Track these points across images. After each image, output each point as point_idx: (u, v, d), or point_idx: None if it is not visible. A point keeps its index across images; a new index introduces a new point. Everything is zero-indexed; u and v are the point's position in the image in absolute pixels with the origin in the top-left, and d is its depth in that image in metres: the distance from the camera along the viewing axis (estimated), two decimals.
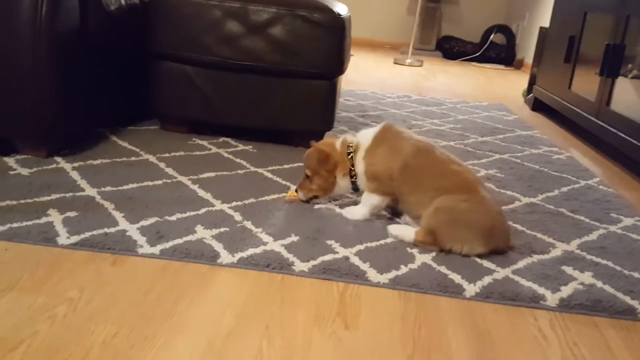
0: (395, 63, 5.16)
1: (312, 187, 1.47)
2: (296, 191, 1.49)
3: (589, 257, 1.33)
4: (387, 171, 1.38)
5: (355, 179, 1.44)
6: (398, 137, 1.42)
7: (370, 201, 1.41)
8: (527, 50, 5.46)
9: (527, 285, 1.17)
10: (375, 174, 1.40)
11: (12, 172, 1.51)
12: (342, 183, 1.46)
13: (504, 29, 6.04)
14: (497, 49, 5.96)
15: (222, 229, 1.29)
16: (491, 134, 2.56)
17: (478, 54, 5.95)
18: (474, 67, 5.56)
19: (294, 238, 1.28)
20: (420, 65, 5.17)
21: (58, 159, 1.64)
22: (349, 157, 1.44)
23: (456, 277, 1.18)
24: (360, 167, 1.42)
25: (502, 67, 5.75)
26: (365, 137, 1.44)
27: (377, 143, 1.41)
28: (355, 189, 1.47)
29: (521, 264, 1.26)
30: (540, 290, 1.15)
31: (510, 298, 1.13)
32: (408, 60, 5.14)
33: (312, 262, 1.18)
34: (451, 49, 6.10)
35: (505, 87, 4.33)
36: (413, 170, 1.36)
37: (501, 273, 1.21)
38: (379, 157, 1.40)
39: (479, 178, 1.38)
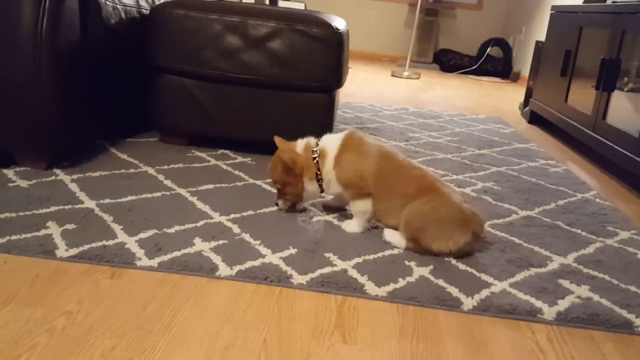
0: (392, 76, 5.19)
1: (285, 197, 1.50)
2: (276, 204, 1.51)
3: (585, 270, 1.33)
4: (358, 173, 1.40)
5: (321, 182, 1.45)
6: (363, 142, 1.45)
7: (356, 208, 1.43)
8: (524, 63, 5.50)
9: (525, 299, 1.17)
10: (347, 179, 1.41)
11: (11, 184, 1.51)
12: (311, 188, 1.47)
13: (500, 42, 6.09)
14: (494, 62, 6.00)
15: (221, 242, 1.29)
16: (488, 146, 2.58)
17: (475, 67, 5.99)
18: (471, 80, 5.59)
19: (292, 251, 1.28)
20: (418, 78, 5.20)
21: (57, 171, 1.65)
22: (315, 161, 1.45)
23: (454, 291, 1.18)
24: (331, 175, 1.43)
25: (499, 80, 5.79)
26: (330, 143, 1.46)
27: (344, 149, 1.43)
28: (322, 191, 1.48)
29: (518, 277, 1.27)
30: (538, 303, 1.16)
31: (507, 311, 1.13)
32: (405, 73, 5.17)
33: (310, 275, 1.18)
34: (448, 62, 6.15)
35: (502, 100, 4.36)
36: (382, 174, 1.39)
37: (498, 286, 1.21)
38: (348, 162, 1.42)
39: (438, 178, 1.41)
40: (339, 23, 1.99)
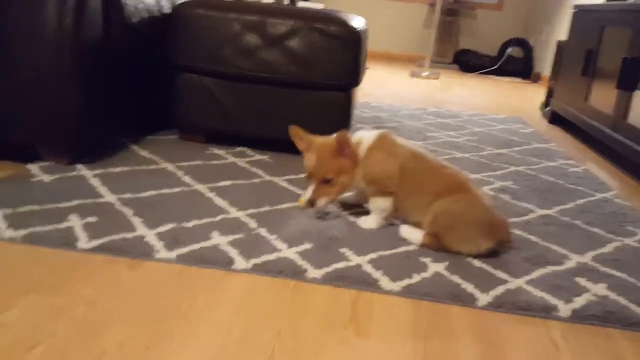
0: (412, 76, 5.18)
1: (331, 189, 1.41)
2: (312, 204, 1.41)
3: (602, 269, 1.32)
4: (385, 171, 1.40)
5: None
6: (394, 143, 1.45)
7: (376, 205, 1.43)
8: (545, 63, 5.44)
9: (540, 296, 1.17)
10: (374, 176, 1.41)
11: (34, 179, 1.55)
12: (347, 181, 1.43)
13: (521, 43, 6.04)
14: (515, 63, 5.95)
15: (237, 236, 1.31)
16: (507, 146, 2.56)
17: (495, 67, 5.95)
18: (491, 80, 5.56)
19: (307, 246, 1.29)
20: (437, 78, 5.18)
21: (79, 166, 1.68)
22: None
23: (468, 287, 1.18)
24: (359, 169, 1.42)
25: (519, 80, 5.74)
26: (364, 139, 1.44)
27: (375, 147, 1.43)
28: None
29: (534, 274, 1.26)
30: (553, 300, 1.15)
31: (522, 308, 1.13)
32: (425, 73, 5.16)
33: (325, 270, 1.19)
34: (468, 62, 6.11)
35: (523, 100, 4.32)
36: (409, 174, 1.39)
37: (514, 283, 1.21)
38: (376, 159, 1.41)
39: (469, 178, 1.41)
40: (357, 22, 2.00)
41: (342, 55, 1.92)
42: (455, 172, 1.41)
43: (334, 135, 1.41)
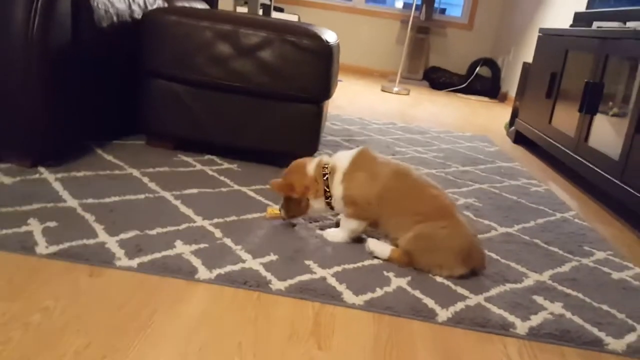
0: (382, 91, 5.24)
1: (289, 212, 1.48)
2: (280, 210, 1.50)
3: (560, 288, 1.36)
4: (365, 196, 1.39)
5: (331, 199, 1.44)
6: (375, 161, 1.43)
7: (348, 226, 1.43)
8: (512, 84, 5.58)
9: (498, 313, 1.19)
10: (353, 198, 1.40)
11: None
12: (316, 205, 1.46)
13: (489, 63, 6.18)
14: (483, 82, 6.09)
15: (202, 245, 1.30)
16: (472, 164, 2.61)
17: (464, 85, 6.07)
18: (460, 98, 5.66)
19: (272, 257, 1.29)
20: (407, 94, 5.26)
21: (42, 169, 1.65)
22: (325, 178, 1.44)
23: (430, 302, 1.20)
24: (337, 190, 1.42)
25: (487, 99, 5.87)
26: (342, 160, 1.44)
27: (354, 167, 1.42)
28: (332, 208, 1.48)
29: (494, 291, 1.29)
30: (511, 318, 1.18)
31: (481, 324, 1.15)
32: (395, 89, 5.23)
33: (289, 281, 1.19)
34: (438, 80, 6.22)
35: (489, 119, 4.41)
36: (392, 193, 1.38)
37: (474, 300, 1.23)
38: (356, 182, 1.40)
39: (453, 202, 1.42)
40: (329, 36, 2.02)
41: (313, 68, 1.94)
42: (441, 193, 1.39)
43: (314, 161, 1.47)
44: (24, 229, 1.26)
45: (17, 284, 1.06)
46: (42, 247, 1.18)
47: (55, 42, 1.60)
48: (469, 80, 6.07)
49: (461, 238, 1.32)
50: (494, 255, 1.50)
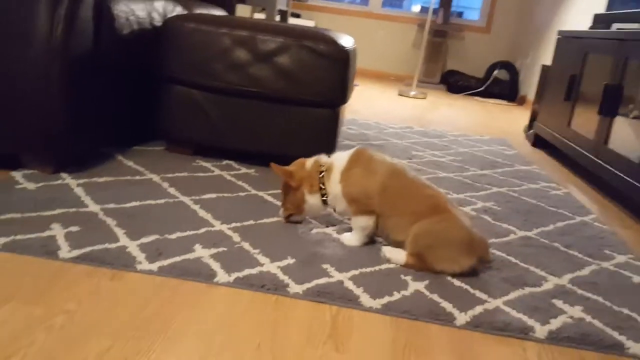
0: (399, 95, 5.23)
1: (286, 205, 1.52)
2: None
3: (580, 291, 1.35)
4: (364, 190, 1.42)
5: (326, 197, 1.47)
6: (372, 159, 1.46)
7: (357, 224, 1.44)
8: (530, 87, 5.54)
9: (517, 317, 1.18)
10: (353, 195, 1.43)
11: (18, 187, 1.55)
12: (311, 200, 1.49)
13: (507, 66, 6.14)
14: (501, 85, 6.05)
15: (220, 249, 1.32)
16: (491, 167, 2.60)
17: (481, 89, 6.04)
18: (477, 102, 5.63)
19: (290, 261, 1.30)
20: (424, 98, 5.25)
21: (64, 175, 1.68)
22: (320, 175, 1.47)
23: (447, 306, 1.19)
24: (337, 189, 1.45)
25: (504, 102, 5.83)
26: (339, 159, 1.48)
27: (351, 165, 1.45)
28: (333, 209, 1.50)
29: (512, 295, 1.28)
30: (530, 321, 1.17)
31: (500, 328, 1.14)
32: (412, 93, 5.22)
33: (307, 285, 1.20)
34: (455, 83, 6.20)
35: (507, 122, 4.38)
36: (389, 192, 1.40)
37: (492, 303, 1.23)
38: (354, 178, 1.43)
39: (448, 199, 1.42)
40: (345, 41, 2.03)
41: (330, 73, 1.95)
42: (435, 192, 1.42)
43: (312, 159, 1.51)
44: (46, 233, 1.28)
45: (40, 288, 1.08)
46: (64, 252, 1.21)
47: (77, 49, 1.63)
48: (487, 84, 6.04)
49: (458, 229, 1.33)
50: (512, 259, 1.49)
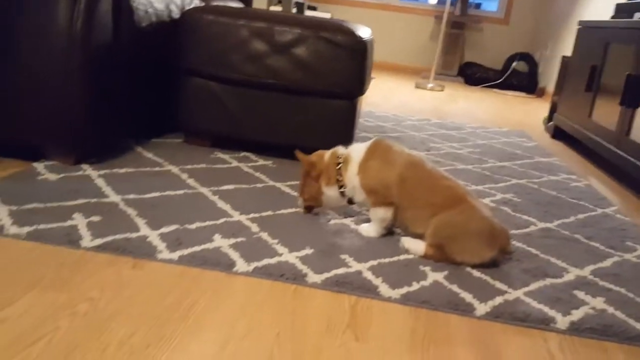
0: (416, 87, 5.20)
1: (304, 196, 1.53)
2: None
3: (601, 283, 1.33)
4: (382, 182, 1.41)
5: (344, 189, 1.47)
6: (390, 150, 1.45)
7: (376, 215, 1.44)
8: (549, 78, 5.46)
9: (538, 308, 1.17)
10: (371, 186, 1.42)
11: (40, 177, 1.57)
12: (329, 192, 1.49)
13: (526, 57, 6.06)
14: (519, 77, 5.98)
15: (239, 239, 1.32)
16: (510, 159, 2.57)
17: (500, 80, 5.97)
18: (496, 94, 5.58)
19: (308, 251, 1.31)
20: (442, 90, 5.21)
21: (85, 166, 1.70)
22: (337, 167, 1.47)
23: (467, 296, 1.19)
24: (354, 181, 1.45)
25: (523, 94, 5.76)
26: (356, 150, 1.48)
27: (369, 156, 1.44)
28: (350, 202, 1.50)
29: (533, 286, 1.27)
30: (551, 312, 1.16)
31: (520, 319, 1.13)
32: (430, 85, 5.18)
33: (326, 275, 1.20)
34: (473, 75, 6.14)
35: (527, 114, 4.33)
36: (407, 183, 1.39)
37: (513, 294, 1.22)
38: (372, 170, 1.43)
39: (468, 190, 1.41)
40: (363, 32, 2.02)
41: (347, 64, 1.94)
42: (454, 183, 1.41)
43: (330, 151, 1.51)
44: (69, 223, 1.30)
45: (63, 276, 1.10)
46: (86, 241, 1.22)
47: (97, 41, 1.65)
48: (505, 76, 5.97)
49: (478, 220, 1.32)
50: (533, 250, 1.48)
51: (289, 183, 1.79)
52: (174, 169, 1.78)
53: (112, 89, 1.79)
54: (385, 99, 4.18)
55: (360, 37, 1.94)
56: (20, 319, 0.95)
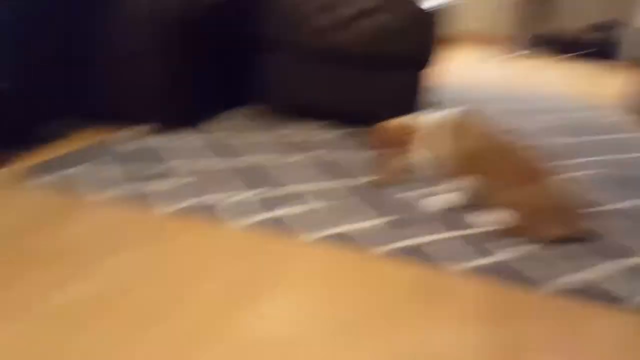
0: (496, 58, 5.03)
1: (378, 167, 1.51)
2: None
3: None
4: (456, 153, 1.39)
5: (418, 160, 1.46)
6: (467, 122, 1.42)
7: (448, 187, 1.45)
8: None
9: (612, 288, 1.16)
10: (444, 158, 1.41)
11: (140, 140, 1.78)
12: (397, 163, 1.47)
13: (617, 26, 5.69)
14: (610, 47, 5.63)
15: (312, 207, 1.41)
16: (594, 134, 2.46)
17: (588, 51, 5.66)
18: (582, 65, 5.30)
19: (375, 221, 1.36)
20: (523, 61, 5.01)
21: (180, 130, 1.91)
22: (407, 138, 1.45)
23: (537, 274, 1.19)
24: (428, 152, 1.43)
25: (612, 65, 5.43)
26: (432, 121, 1.44)
27: (445, 128, 1.42)
28: (422, 171, 1.49)
29: (608, 266, 1.25)
30: (625, 292, 1.15)
31: (594, 296, 1.13)
32: (510, 56, 4.99)
33: (397, 244, 1.26)
34: (559, 45, 5.85)
35: (615, 87, 4.10)
36: (483, 156, 1.38)
37: (588, 273, 1.21)
38: (447, 141, 1.41)
39: (548, 164, 1.38)
40: (432, 1, 2.01)
41: (417, 34, 1.97)
42: (532, 158, 1.38)
43: (405, 120, 1.49)
44: (165, 185, 1.46)
45: (158, 233, 1.22)
46: (179, 203, 1.37)
47: (181, 14, 1.78)
48: (594, 46, 5.64)
49: (555, 198, 1.31)
50: (609, 230, 1.44)
51: (360, 154, 1.84)
52: (261, 137, 1.93)
53: (205, 63, 1.94)
54: (462, 70, 4.08)
55: (427, 8, 1.94)
56: (113, 274, 1.07)
